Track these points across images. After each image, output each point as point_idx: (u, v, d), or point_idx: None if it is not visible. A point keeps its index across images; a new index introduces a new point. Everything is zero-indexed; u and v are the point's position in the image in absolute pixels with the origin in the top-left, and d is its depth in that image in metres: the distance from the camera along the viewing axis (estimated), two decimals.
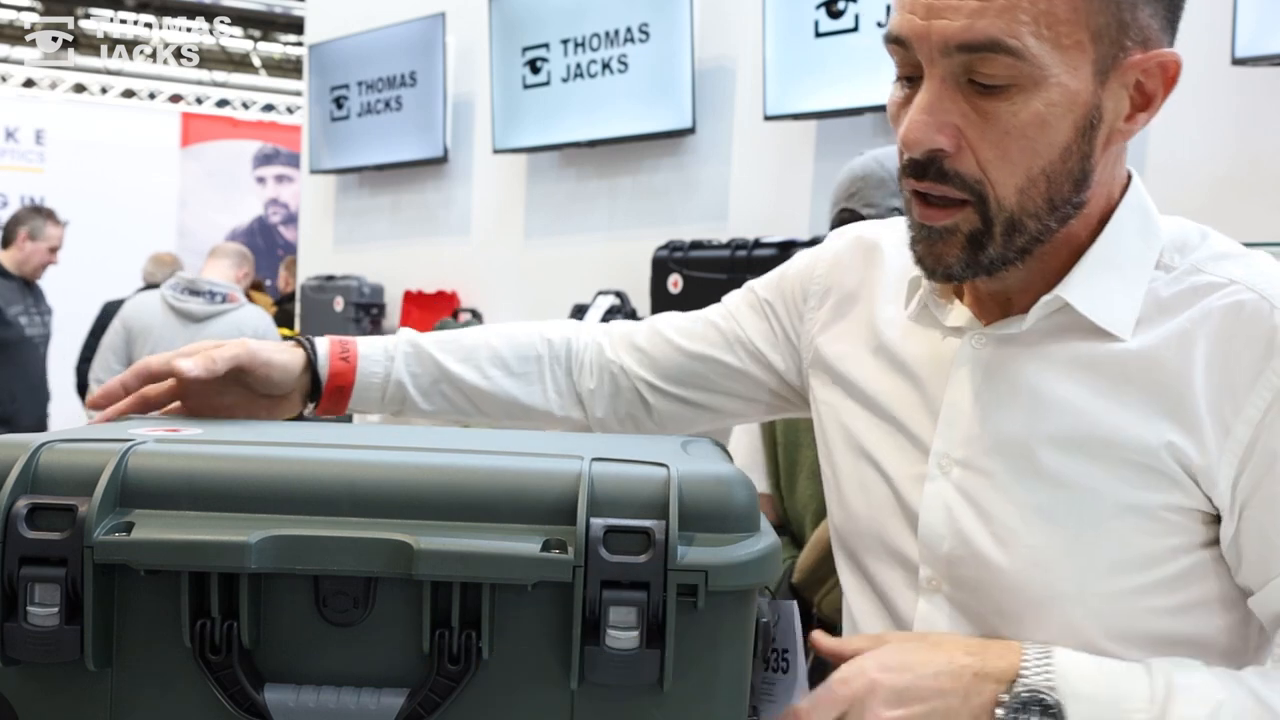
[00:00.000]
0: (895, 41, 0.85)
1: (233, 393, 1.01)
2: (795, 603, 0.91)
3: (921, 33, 0.81)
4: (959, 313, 0.93)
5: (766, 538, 0.73)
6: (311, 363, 1.04)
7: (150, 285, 4.77)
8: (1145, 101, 0.84)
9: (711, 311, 1.14)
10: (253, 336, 3.74)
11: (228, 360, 0.98)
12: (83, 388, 4.74)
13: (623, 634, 0.70)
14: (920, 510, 0.92)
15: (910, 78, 0.86)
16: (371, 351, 1.07)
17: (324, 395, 1.05)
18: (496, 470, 0.74)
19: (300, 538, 0.69)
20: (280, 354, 1.02)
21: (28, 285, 4.57)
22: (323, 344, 1.05)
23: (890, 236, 1.03)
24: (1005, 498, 0.88)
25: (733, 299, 1.15)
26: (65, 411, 4.99)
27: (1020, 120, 0.81)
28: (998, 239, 0.84)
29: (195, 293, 3.89)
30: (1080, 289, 0.87)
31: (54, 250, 4.67)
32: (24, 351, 4.39)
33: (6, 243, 4.56)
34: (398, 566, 0.69)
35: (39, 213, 4.68)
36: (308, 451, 0.75)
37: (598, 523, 0.70)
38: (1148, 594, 0.84)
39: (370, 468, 0.74)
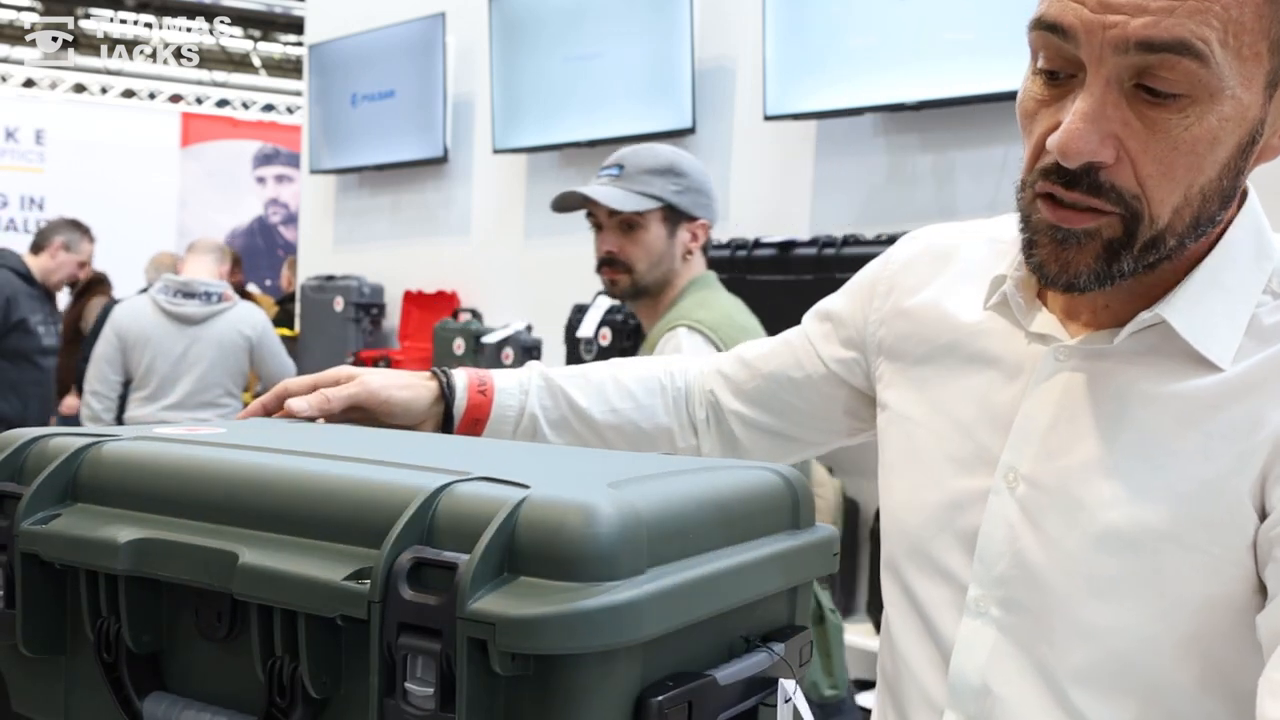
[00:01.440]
0: (1052, 29, 0.75)
1: (359, 418, 1.00)
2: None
3: (1093, 25, 0.72)
4: (1045, 319, 0.87)
5: (628, 590, 0.57)
6: (444, 395, 1.04)
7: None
8: None
9: (790, 332, 1.13)
10: (251, 335, 3.70)
11: (344, 400, 0.97)
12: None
13: (420, 689, 0.57)
14: (981, 524, 0.87)
15: (1053, 73, 0.77)
16: (508, 385, 1.08)
17: (459, 427, 1.05)
18: (347, 482, 0.65)
19: (156, 541, 0.67)
20: (402, 391, 1.01)
21: (48, 295, 4.56)
22: (461, 378, 1.05)
23: (967, 242, 0.99)
24: (1072, 523, 0.82)
25: (807, 317, 1.12)
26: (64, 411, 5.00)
27: (1191, 135, 0.73)
28: (1136, 252, 0.78)
29: (189, 295, 3.86)
30: (1183, 310, 0.80)
31: (83, 265, 4.68)
32: (41, 361, 4.41)
33: (37, 249, 4.54)
34: (222, 581, 0.63)
35: (76, 226, 4.68)
36: (247, 456, 0.71)
37: (410, 553, 0.58)
38: (1214, 639, 0.79)
39: (240, 471, 0.69)
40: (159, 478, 0.71)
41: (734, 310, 2.14)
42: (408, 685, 0.57)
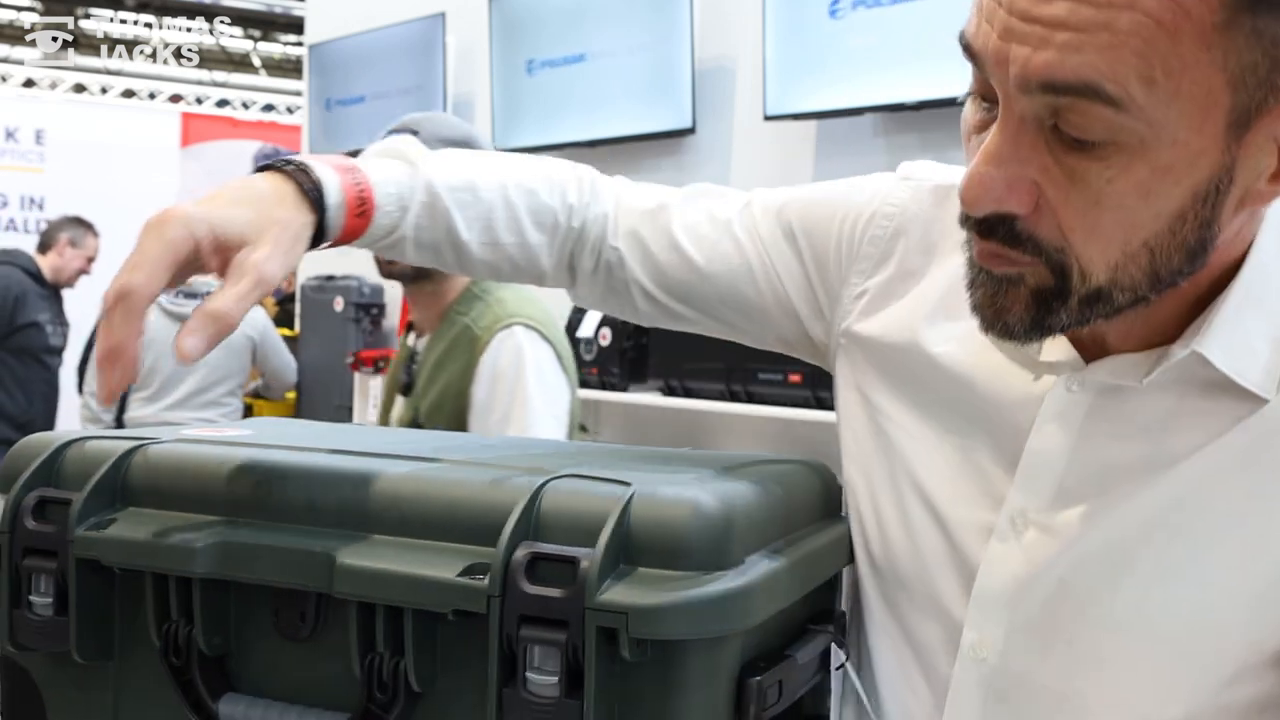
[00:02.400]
0: (967, 51, 0.66)
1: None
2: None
3: (998, 56, 0.62)
4: (1054, 343, 0.76)
5: (738, 578, 0.61)
6: (318, 226, 0.79)
7: None
8: None
9: (735, 218, 0.92)
10: (254, 334, 3.71)
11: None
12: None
13: (542, 678, 0.60)
14: (980, 568, 0.77)
15: (985, 96, 0.67)
16: (387, 203, 0.83)
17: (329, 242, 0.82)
18: (446, 484, 0.67)
19: (241, 544, 0.68)
20: (279, 255, 0.75)
21: (56, 295, 4.57)
22: (335, 195, 0.79)
23: (947, 233, 0.84)
24: (1090, 577, 0.73)
25: (760, 211, 0.93)
26: (67, 413, 4.99)
27: (1116, 189, 0.62)
28: (1073, 308, 0.67)
29: (191, 295, 3.85)
30: (1222, 342, 0.69)
31: (90, 260, 4.69)
32: (49, 360, 4.42)
33: (44, 248, 4.55)
34: (320, 582, 0.65)
35: (80, 222, 4.72)
36: (303, 457, 0.74)
37: (524, 548, 0.60)
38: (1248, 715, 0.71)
39: (333, 475, 0.70)
40: (225, 481, 0.72)
41: (550, 310, 1.98)
42: (528, 675, 0.59)
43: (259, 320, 4.03)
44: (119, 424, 3.89)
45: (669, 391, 3.29)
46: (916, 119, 3.07)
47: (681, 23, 3.48)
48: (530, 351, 1.83)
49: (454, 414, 1.83)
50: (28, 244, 5.44)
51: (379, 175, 0.83)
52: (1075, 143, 0.62)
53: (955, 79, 2.86)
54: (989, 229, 0.67)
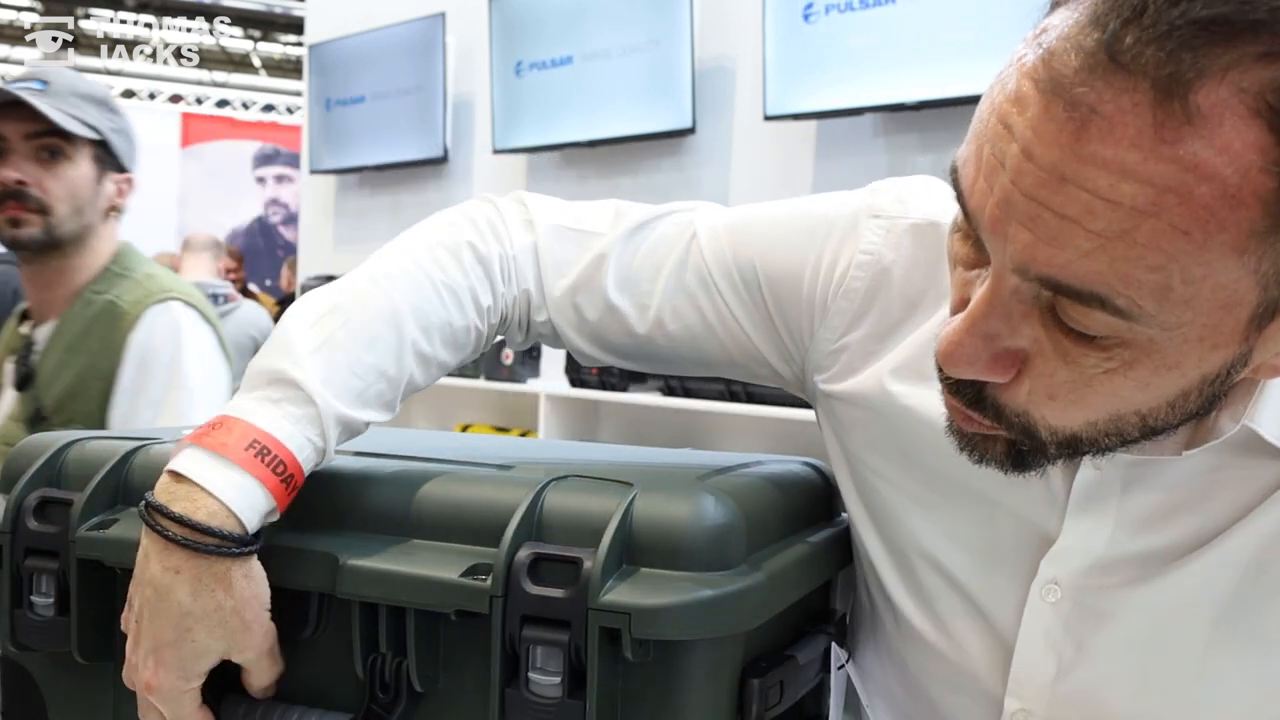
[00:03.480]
0: (959, 198, 0.58)
1: None
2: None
3: (995, 226, 0.55)
4: None
5: (739, 579, 0.61)
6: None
7: None
8: None
9: (685, 261, 0.81)
10: (258, 336, 3.64)
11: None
12: None
13: (544, 678, 0.60)
14: (1018, 642, 0.72)
15: (980, 246, 0.59)
16: (307, 464, 0.68)
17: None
18: (448, 484, 0.67)
19: None
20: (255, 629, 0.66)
21: None
22: (265, 505, 0.66)
23: (929, 258, 0.77)
24: (1141, 650, 0.69)
25: (710, 248, 0.81)
26: None
27: (1114, 380, 0.56)
28: (1053, 453, 0.62)
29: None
30: (1270, 412, 0.64)
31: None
32: None
33: None
34: (323, 582, 0.65)
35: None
36: None
37: (527, 549, 0.61)
38: None
39: (335, 476, 0.70)
40: None
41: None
42: (530, 675, 0.59)
43: (264, 323, 4.03)
44: None
45: (669, 391, 3.30)
46: (916, 119, 3.07)
47: (681, 23, 3.48)
48: (190, 330, 1.63)
49: (95, 400, 1.60)
50: None
51: (292, 442, 0.67)
52: (1073, 330, 0.56)
53: (955, 79, 2.86)
54: (955, 387, 0.62)
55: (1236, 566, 0.66)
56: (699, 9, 3.47)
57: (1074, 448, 0.61)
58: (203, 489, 0.64)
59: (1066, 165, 0.51)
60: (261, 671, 0.68)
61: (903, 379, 0.75)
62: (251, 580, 0.65)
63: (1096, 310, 0.53)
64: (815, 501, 0.82)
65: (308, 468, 0.68)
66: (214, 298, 3.84)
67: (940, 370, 0.62)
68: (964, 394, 0.61)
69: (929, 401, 0.72)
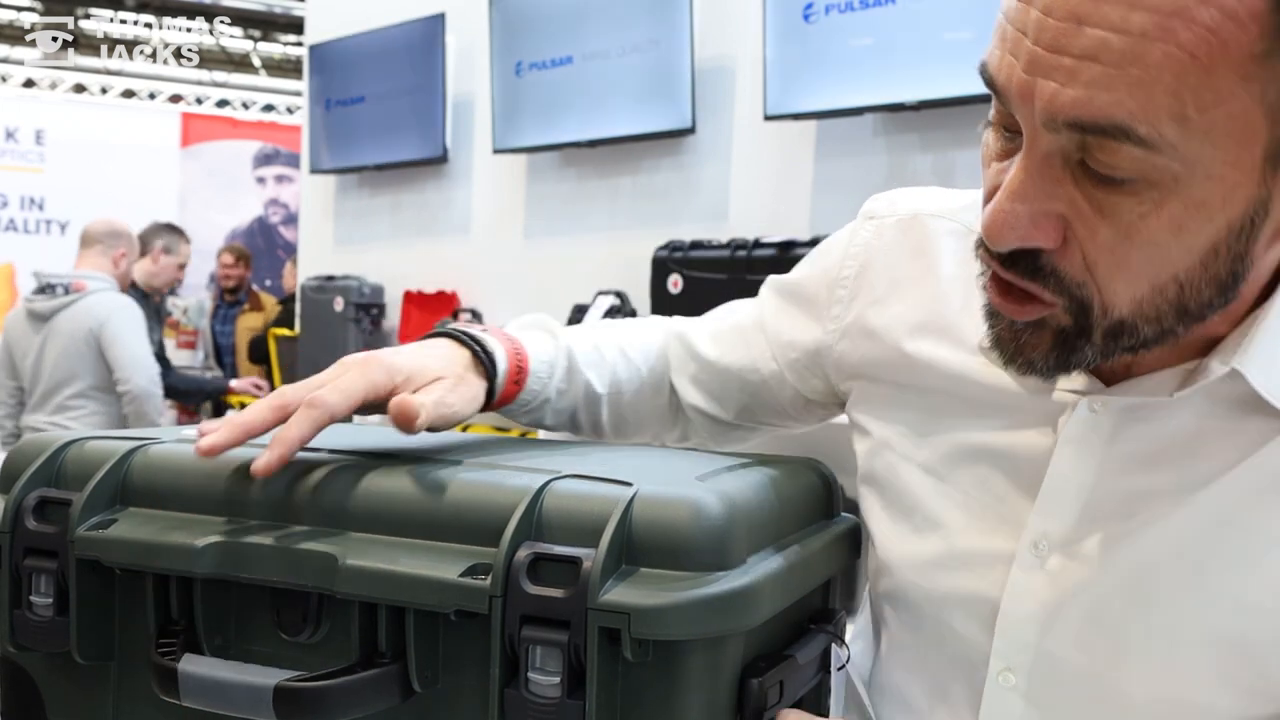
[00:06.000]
0: (988, 82, 0.63)
1: None
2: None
3: (1023, 91, 0.60)
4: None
5: (739, 579, 0.61)
6: (488, 392, 0.87)
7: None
8: None
9: (747, 314, 0.98)
10: (94, 326, 3.40)
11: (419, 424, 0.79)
12: None
13: (544, 678, 0.60)
14: (1004, 600, 0.74)
15: (1010, 127, 0.64)
16: (539, 369, 0.92)
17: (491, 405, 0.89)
18: (447, 484, 0.67)
19: (242, 544, 0.68)
20: (454, 395, 0.81)
21: (145, 298, 4.41)
22: (501, 363, 0.87)
23: (941, 228, 0.83)
24: (1120, 603, 0.70)
25: (767, 293, 0.98)
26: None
27: (1148, 225, 0.60)
28: (1097, 342, 0.65)
29: (41, 290, 3.64)
30: (1261, 361, 0.66)
31: (183, 268, 4.65)
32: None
33: (139, 254, 4.51)
34: (324, 581, 0.65)
35: (173, 229, 4.65)
36: (303, 457, 0.73)
37: (526, 548, 0.61)
38: None
39: (335, 476, 0.70)
40: (225, 481, 0.72)
41: None
42: (530, 675, 0.60)
43: (108, 308, 3.58)
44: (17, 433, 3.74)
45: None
46: (916, 119, 3.07)
47: (681, 23, 3.48)
48: None
49: None
50: (28, 244, 5.43)
51: (533, 347, 0.92)
52: (1104, 179, 0.60)
53: (955, 79, 2.86)
54: (1011, 260, 0.65)
55: (1212, 523, 0.68)
56: (699, 9, 3.47)
57: (1118, 335, 0.64)
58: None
59: (1082, 8, 0.56)
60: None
61: (919, 338, 0.82)
62: (478, 386, 0.84)
63: (1123, 144, 0.57)
64: (815, 501, 0.82)
65: (531, 376, 0.91)
66: (52, 289, 3.59)
67: (989, 257, 0.66)
68: (1023, 264, 0.64)
69: (942, 353, 0.80)
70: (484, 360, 0.86)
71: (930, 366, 0.80)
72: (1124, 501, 0.71)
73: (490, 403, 0.87)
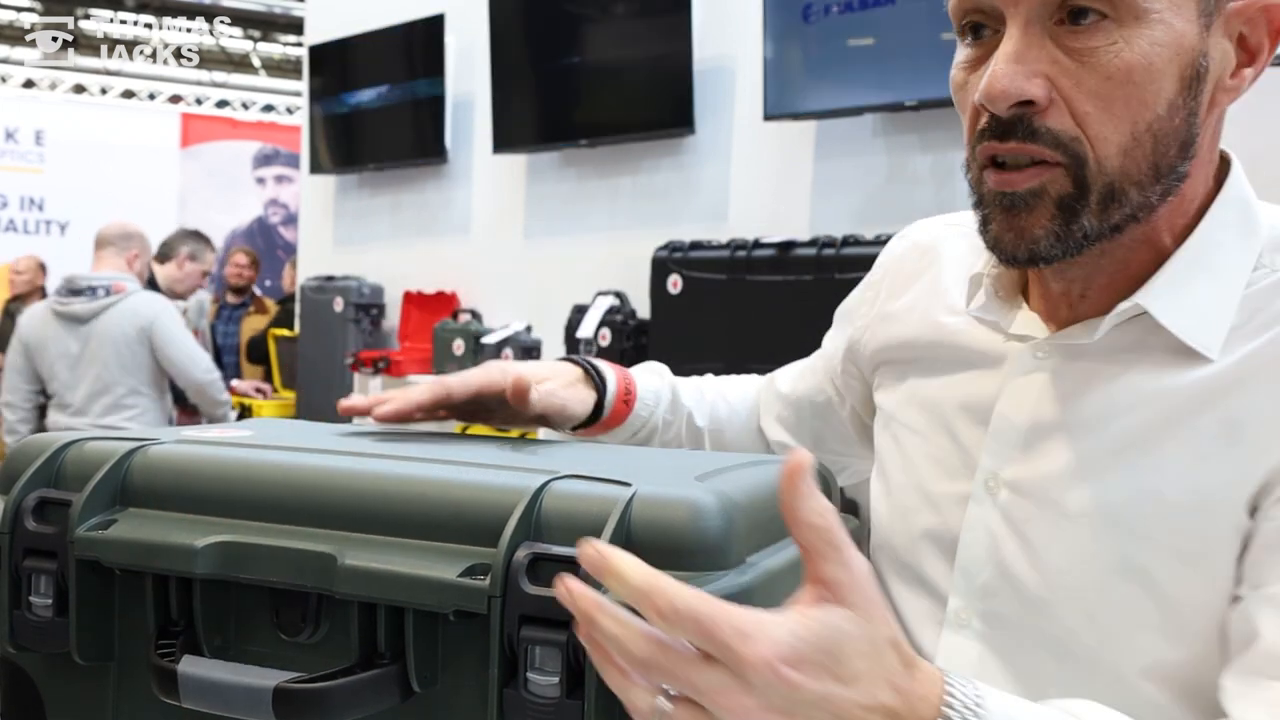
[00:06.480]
0: None
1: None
2: None
3: None
4: (1024, 318, 0.83)
5: (738, 579, 0.61)
6: (598, 405, 1.02)
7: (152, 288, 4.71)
8: (1250, 56, 0.75)
9: (825, 341, 1.11)
10: (144, 325, 3.44)
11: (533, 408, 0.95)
12: None
13: (543, 678, 0.60)
14: (961, 533, 0.82)
15: (977, 29, 0.76)
16: (646, 396, 1.06)
17: (594, 428, 1.04)
18: (446, 484, 0.67)
19: (241, 544, 0.68)
20: (568, 390, 0.99)
21: None
22: (611, 385, 1.02)
23: (950, 238, 0.95)
24: (1056, 533, 0.77)
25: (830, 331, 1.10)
26: None
27: (1124, 61, 0.70)
28: (1094, 207, 0.72)
29: (76, 292, 3.66)
30: (1165, 297, 0.75)
31: (206, 275, 4.66)
32: None
33: (163, 259, 4.50)
34: (323, 581, 0.65)
35: (199, 236, 4.65)
36: (302, 458, 0.74)
37: (525, 549, 0.61)
38: (1210, 658, 0.73)
39: (334, 476, 0.70)
40: (225, 481, 0.72)
41: None
42: (529, 675, 0.60)
43: (155, 308, 3.68)
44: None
45: None
46: (916, 119, 3.07)
47: (681, 23, 3.47)
48: None
49: None
50: (28, 245, 5.43)
51: (641, 379, 1.06)
52: (1079, 28, 0.70)
53: None
54: (1008, 130, 0.73)
55: (1120, 449, 0.75)
56: (699, 9, 3.47)
57: (1109, 201, 0.72)
58: None
59: None
60: None
61: (917, 313, 0.93)
62: (583, 388, 1.02)
63: None
64: None
65: (639, 401, 1.05)
66: (92, 291, 3.63)
67: (990, 140, 0.74)
68: (1020, 130, 0.72)
69: (927, 321, 0.91)
70: (594, 375, 1.00)
71: (919, 336, 0.91)
72: (1059, 437, 0.78)
73: (600, 416, 1.01)
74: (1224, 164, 0.80)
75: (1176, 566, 0.73)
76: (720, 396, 1.13)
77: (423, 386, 0.89)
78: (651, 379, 1.07)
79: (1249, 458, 0.71)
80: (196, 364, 3.73)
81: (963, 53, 0.78)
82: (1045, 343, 0.81)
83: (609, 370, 1.02)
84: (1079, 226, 0.72)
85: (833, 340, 1.06)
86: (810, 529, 0.55)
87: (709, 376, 1.16)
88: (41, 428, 3.73)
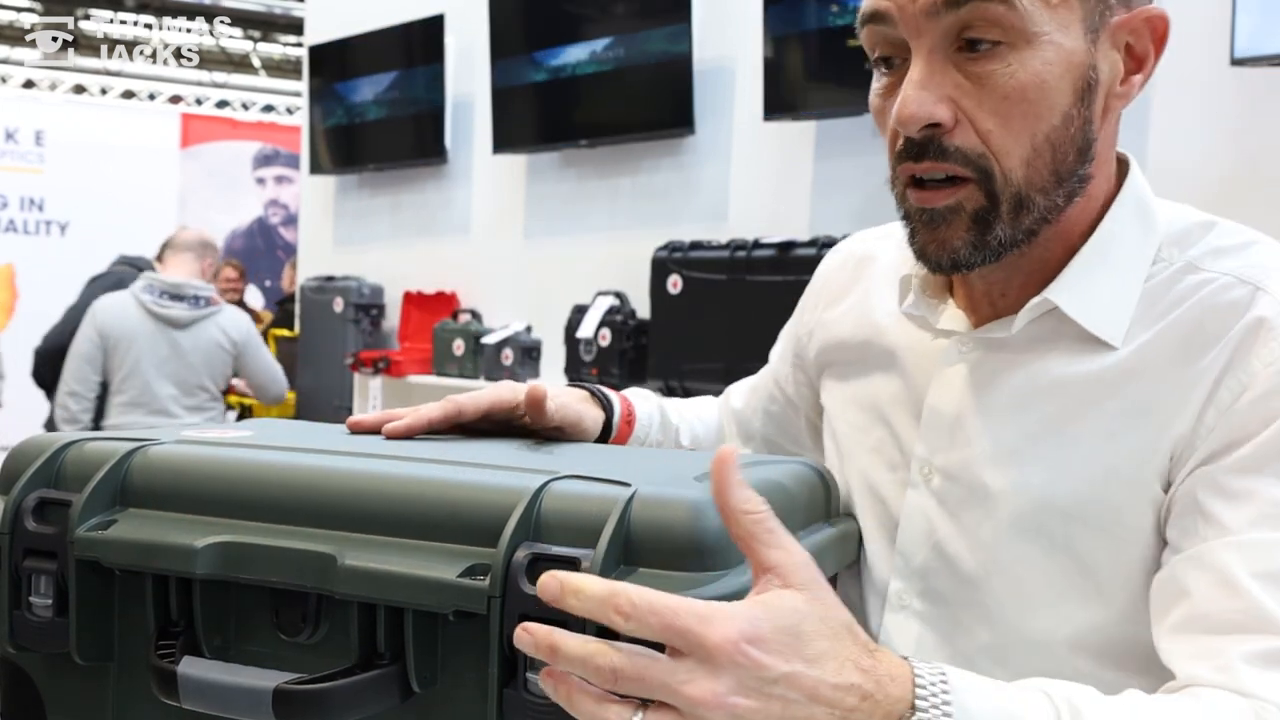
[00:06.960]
0: (874, 20, 0.80)
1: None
2: None
3: (903, 2, 0.78)
4: (950, 315, 0.90)
5: (738, 579, 0.61)
6: (605, 425, 1.04)
7: None
8: (1138, 64, 0.81)
9: (772, 353, 1.16)
10: (237, 338, 3.63)
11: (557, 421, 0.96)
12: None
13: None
14: (900, 518, 0.88)
15: (888, 60, 0.82)
16: (643, 418, 1.11)
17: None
18: (445, 485, 0.68)
19: (241, 545, 0.68)
20: (579, 405, 1.01)
21: None
22: (617, 405, 1.06)
23: (883, 246, 1.02)
24: (985, 512, 0.84)
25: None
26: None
27: (1019, 81, 0.76)
28: (1005, 217, 0.79)
29: (177, 297, 3.78)
30: (1070, 291, 0.82)
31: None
32: None
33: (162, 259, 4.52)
34: (322, 581, 0.65)
35: (213, 249, 4.68)
36: (302, 458, 0.74)
37: (525, 549, 0.61)
38: (1134, 621, 0.79)
39: (333, 476, 0.70)
40: (225, 482, 0.72)
41: None
42: (529, 675, 0.59)
43: (243, 326, 3.98)
44: (95, 427, 3.81)
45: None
46: None
47: (681, 23, 3.47)
48: None
49: None
50: (28, 245, 5.40)
51: (640, 403, 1.10)
52: (978, 55, 0.76)
53: None
54: (922, 150, 0.79)
55: (1036, 433, 0.82)
56: (699, 9, 3.47)
57: (1019, 209, 0.79)
58: None
59: None
60: None
61: (853, 318, 0.99)
62: (583, 404, 1.02)
63: (989, 4, 0.74)
64: (814, 502, 0.82)
65: (638, 424, 1.08)
66: (195, 300, 3.79)
67: (906, 162, 0.82)
68: (932, 151, 0.79)
69: (863, 323, 0.97)
70: (599, 396, 1.05)
71: (854, 336, 0.98)
72: (983, 424, 0.84)
73: (609, 435, 1.04)
74: (1122, 166, 0.87)
75: (1095, 538, 0.80)
76: (696, 417, 1.19)
77: (434, 405, 0.91)
78: (643, 402, 1.12)
79: (1154, 435, 0.78)
80: (276, 380, 4.14)
81: (878, 81, 0.85)
82: (968, 337, 0.87)
83: (611, 392, 1.07)
84: (994, 236, 0.79)
85: (779, 354, 1.13)
86: (744, 516, 0.58)
87: (673, 399, 1.22)
88: (98, 422, 3.82)
